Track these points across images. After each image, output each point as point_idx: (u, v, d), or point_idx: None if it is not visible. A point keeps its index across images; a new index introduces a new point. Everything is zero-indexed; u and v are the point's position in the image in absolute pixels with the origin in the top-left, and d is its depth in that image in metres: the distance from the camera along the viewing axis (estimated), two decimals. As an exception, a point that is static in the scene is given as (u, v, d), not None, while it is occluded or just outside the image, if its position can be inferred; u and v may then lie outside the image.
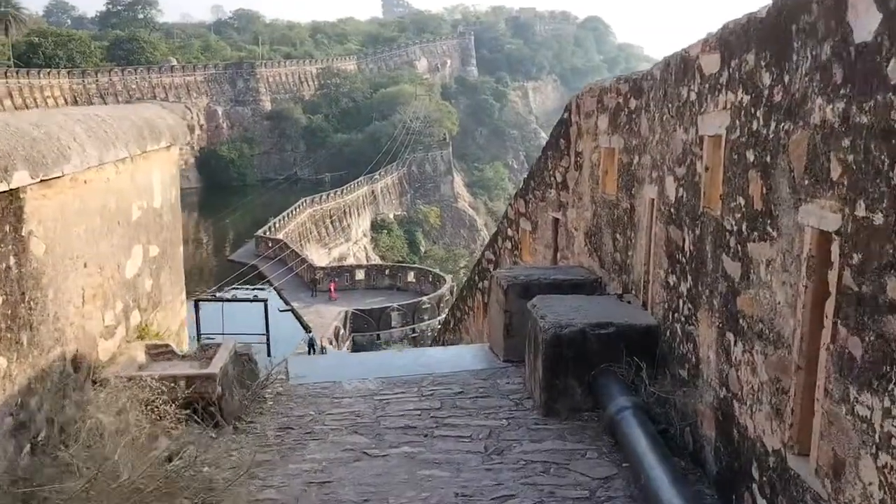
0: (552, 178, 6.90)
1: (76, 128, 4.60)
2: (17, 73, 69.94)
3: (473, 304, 8.75)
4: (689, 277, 4.64)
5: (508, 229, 7.86)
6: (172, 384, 4.81)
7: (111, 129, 5.04)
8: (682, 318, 4.78)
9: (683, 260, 4.75)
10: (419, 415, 5.69)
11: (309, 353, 15.97)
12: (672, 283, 4.99)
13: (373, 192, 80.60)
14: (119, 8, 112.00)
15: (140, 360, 5.28)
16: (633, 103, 6.02)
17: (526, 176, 7.44)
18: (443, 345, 11.25)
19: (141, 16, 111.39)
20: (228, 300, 20.18)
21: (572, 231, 6.64)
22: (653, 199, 5.34)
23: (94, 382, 4.74)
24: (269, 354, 21.38)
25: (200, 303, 21.22)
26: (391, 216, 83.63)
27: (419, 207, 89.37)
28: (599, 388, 5.27)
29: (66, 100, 75.12)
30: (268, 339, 21.70)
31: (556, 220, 6.78)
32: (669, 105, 5.07)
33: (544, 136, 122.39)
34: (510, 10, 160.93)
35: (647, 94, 5.65)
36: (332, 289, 41.26)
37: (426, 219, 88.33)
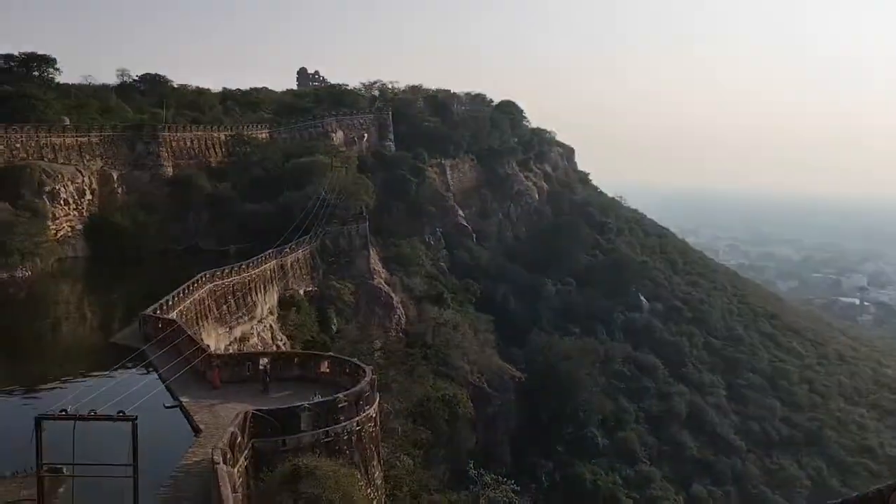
0: None
1: None
2: None
3: None
4: None
5: None
6: None
7: None
8: None
9: None
10: None
11: None
12: None
13: (282, 266, 74.84)
14: (11, 64, 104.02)
15: None
16: None
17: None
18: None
19: (36, 73, 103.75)
20: (83, 418, 14.73)
21: None
22: None
23: None
24: (135, 494, 15.96)
25: (44, 421, 15.73)
26: (301, 292, 77.88)
27: (332, 283, 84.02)
28: None
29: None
30: (135, 474, 16.16)
31: None
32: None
33: (461, 214, 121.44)
34: (427, 91, 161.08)
35: None
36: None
37: (339, 296, 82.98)
